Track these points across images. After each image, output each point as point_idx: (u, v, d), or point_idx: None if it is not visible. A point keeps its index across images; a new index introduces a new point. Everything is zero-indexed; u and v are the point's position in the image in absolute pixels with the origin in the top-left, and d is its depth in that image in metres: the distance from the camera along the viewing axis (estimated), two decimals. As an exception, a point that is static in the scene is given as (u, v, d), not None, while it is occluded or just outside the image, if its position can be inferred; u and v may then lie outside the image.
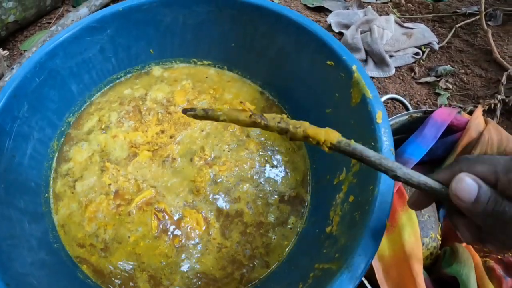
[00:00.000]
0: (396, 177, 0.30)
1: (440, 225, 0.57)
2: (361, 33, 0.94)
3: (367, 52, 0.92)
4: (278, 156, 0.59)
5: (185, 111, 0.36)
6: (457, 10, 1.06)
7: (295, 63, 0.58)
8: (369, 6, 1.05)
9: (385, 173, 0.31)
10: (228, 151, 0.59)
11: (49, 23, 1.06)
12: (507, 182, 0.27)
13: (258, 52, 0.63)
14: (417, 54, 0.93)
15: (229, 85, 0.67)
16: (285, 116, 0.33)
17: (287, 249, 0.52)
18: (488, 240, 0.30)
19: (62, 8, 1.09)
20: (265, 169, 0.58)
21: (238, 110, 0.34)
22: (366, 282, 0.50)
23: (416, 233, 0.51)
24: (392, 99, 0.66)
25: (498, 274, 0.52)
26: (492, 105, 0.80)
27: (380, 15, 1.00)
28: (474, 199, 0.27)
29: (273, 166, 0.58)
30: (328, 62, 0.51)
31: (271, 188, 0.56)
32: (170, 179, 0.56)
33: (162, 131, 0.61)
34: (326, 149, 0.32)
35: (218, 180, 0.56)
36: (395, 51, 0.92)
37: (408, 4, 1.10)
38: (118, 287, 0.49)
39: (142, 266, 0.50)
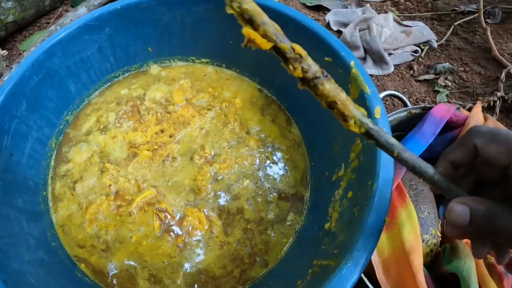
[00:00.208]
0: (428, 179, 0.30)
1: (440, 221, 0.57)
2: (359, 31, 0.93)
3: (365, 50, 0.92)
4: (278, 153, 0.59)
5: None
6: (456, 8, 1.06)
7: (293, 59, 0.58)
8: (368, 5, 1.04)
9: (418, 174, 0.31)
10: (228, 149, 0.59)
11: (48, 23, 1.06)
12: (469, 150, 0.28)
13: (256, 49, 0.62)
14: (416, 52, 0.93)
15: (228, 83, 0.67)
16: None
17: (286, 247, 0.52)
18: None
19: (61, 8, 1.09)
20: (265, 166, 0.58)
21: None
22: (366, 280, 0.49)
23: (415, 230, 0.50)
24: (391, 95, 0.66)
25: (499, 271, 0.52)
26: (492, 103, 0.79)
27: (379, 14, 1.00)
28: (468, 223, 0.28)
29: (273, 162, 0.58)
30: (326, 59, 0.51)
31: (270, 186, 0.56)
32: (170, 179, 0.56)
33: (162, 131, 0.61)
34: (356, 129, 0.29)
35: (219, 178, 0.56)
36: (394, 49, 0.92)
37: (407, 3, 1.10)
38: (117, 286, 0.49)
39: (144, 265, 0.50)
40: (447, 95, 0.85)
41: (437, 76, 0.89)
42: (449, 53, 0.95)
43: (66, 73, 0.59)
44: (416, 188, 0.58)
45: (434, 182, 0.30)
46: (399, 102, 0.82)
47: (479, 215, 0.27)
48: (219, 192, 0.55)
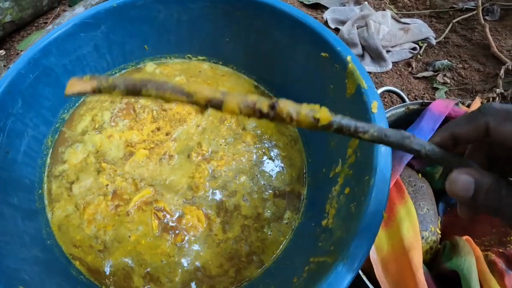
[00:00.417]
0: (402, 146, 0.28)
1: (439, 218, 0.56)
2: (357, 29, 0.93)
3: (363, 47, 0.91)
4: (275, 150, 0.59)
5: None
6: (454, 6, 1.06)
7: (289, 56, 0.58)
8: (366, 3, 1.04)
9: (388, 144, 0.28)
10: (225, 145, 0.58)
11: (46, 23, 1.05)
12: (481, 127, 0.26)
13: (253, 46, 0.62)
14: (414, 49, 0.93)
15: (224, 79, 0.66)
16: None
17: (283, 245, 0.51)
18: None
19: (58, 8, 1.09)
20: (262, 162, 0.57)
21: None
22: (364, 278, 0.49)
23: (415, 227, 0.50)
24: (389, 91, 0.66)
25: (500, 268, 0.51)
26: (491, 99, 0.79)
27: (377, 11, 0.99)
28: (472, 195, 0.26)
29: (270, 159, 0.58)
30: (323, 54, 0.51)
31: (265, 182, 0.55)
32: (168, 177, 0.56)
33: (158, 129, 0.60)
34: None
35: (217, 175, 0.56)
36: (392, 46, 0.92)
37: (405, 0, 1.10)
38: (112, 284, 0.49)
39: (141, 263, 0.49)
40: (446, 92, 0.84)
41: (435, 73, 0.88)
42: (447, 50, 0.94)
43: (62, 71, 0.58)
44: (415, 185, 0.57)
45: (427, 156, 0.28)
46: (398, 99, 0.82)
47: (485, 188, 0.25)
48: (216, 190, 0.55)
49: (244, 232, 0.52)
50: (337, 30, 0.99)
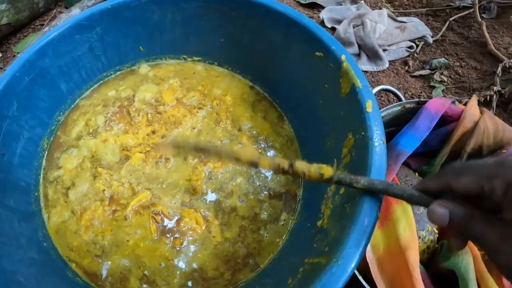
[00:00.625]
0: (388, 192, 0.34)
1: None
2: (353, 28, 0.93)
3: (360, 46, 0.91)
4: (272, 151, 0.58)
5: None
6: (451, 4, 1.06)
7: (284, 55, 0.58)
8: (362, 1, 1.04)
9: (376, 192, 0.35)
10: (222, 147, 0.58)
11: (42, 25, 1.05)
12: (490, 189, 0.28)
13: (248, 46, 0.62)
14: (411, 47, 0.93)
15: (218, 80, 0.66)
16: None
17: (279, 247, 0.51)
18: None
19: (55, 10, 1.09)
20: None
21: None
22: (360, 277, 0.49)
23: (411, 226, 0.50)
24: (385, 90, 0.65)
25: (496, 267, 0.51)
26: (488, 97, 0.79)
27: (373, 10, 0.99)
28: (447, 223, 0.30)
29: None
30: (317, 54, 0.51)
31: (261, 183, 0.55)
32: (165, 180, 0.55)
33: (153, 132, 0.60)
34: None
35: (214, 177, 0.55)
36: (389, 45, 0.92)
37: (402, -1, 1.10)
38: (109, 285, 0.48)
39: (139, 265, 0.49)
40: (443, 90, 0.84)
41: (432, 72, 0.88)
42: (444, 48, 0.94)
43: (58, 73, 0.58)
44: (411, 184, 0.57)
45: (408, 199, 0.33)
46: (395, 97, 0.82)
47: (457, 218, 0.29)
48: (214, 191, 0.54)
49: (241, 234, 0.52)
50: (333, 29, 0.99)
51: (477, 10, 0.96)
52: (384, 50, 0.91)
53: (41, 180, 0.56)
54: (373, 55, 0.89)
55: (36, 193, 0.55)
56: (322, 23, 1.02)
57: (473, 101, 0.61)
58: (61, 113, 0.61)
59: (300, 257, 0.42)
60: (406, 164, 0.61)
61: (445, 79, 0.87)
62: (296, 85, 0.58)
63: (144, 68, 0.68)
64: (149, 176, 0.56)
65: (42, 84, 0.56)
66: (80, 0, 1.04)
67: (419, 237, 0.52)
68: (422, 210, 0.54)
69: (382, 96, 0.82)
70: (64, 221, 0.53)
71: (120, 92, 0.64)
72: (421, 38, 0.94)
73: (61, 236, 0.52)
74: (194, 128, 0.60)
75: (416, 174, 0.60)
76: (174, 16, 0.62)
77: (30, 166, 0.56)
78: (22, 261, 0.45)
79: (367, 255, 0.49)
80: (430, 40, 0.94)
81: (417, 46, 0.94)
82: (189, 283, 0.48)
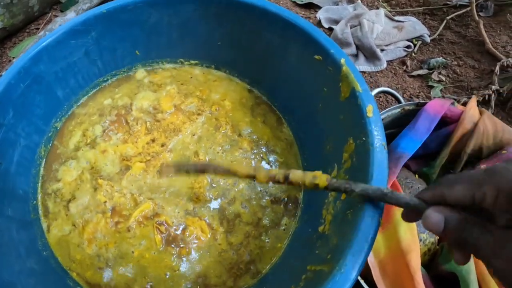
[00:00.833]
0: (384, 199, 0.34)
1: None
2: (351, 28, 0.93)
3: (357, 47, 0.91)
4: (273, 156, 0.58)
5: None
6: (448, 2, 1.06)
7: (283, 59, 0.57)
8: (359, 1, 1.04)
9: (369, 198, 0.35)
10: (222, 153, 0.58)
11: (38, 28, 1.04)
12: (481, 196, 0.28)
13: (245, 49, 0.62)
14: (408, 47, 0.92)
15: (216, 85, 0.66)
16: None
17: (280, 252, 0.51)
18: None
19: (50, 13, 1.08)
20: (261, 166, 0.57)
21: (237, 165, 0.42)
22: (362, 281, 0.49)
23: (412, 229, 0.50)
24: (384, 92, 0.65)
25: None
26: (486, 96, 0.79)
27: (370, 10, 0.99)
28: (442, 230, 0.30)
29: (268, 163, 0.57)
30: (316, 57, 0.50)
31: (262, 189, 0.55)
32: (167, 189, 0.55)
33: (153, 140, 0.59)
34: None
35: (216, 184, 0.55)
36: (386, 45, 0.91)
37: (399, -2, 1.09)
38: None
39: (144, 275, 0.49)
40: (441, 90, 0.84)
41: (430, 71, 0.88)
42: (442, 47, 0.94)
43: (54, 79, 0.58)
44: (412, 186, 0.57)
45: (406, 206, 0.33)
46: (393, 99, 0.81)
47: (452, 224, 0.29)
48: (217, 198, 0.54)
49: (245, 241, 0.51)
50: (330, 29, 0.99)
51: (474, 9, 0.96)
52: (382, 50, 0.91)
53: (39, 188, 0.56)
54: (371, 55, 0.89)
55: (34, 202, 0.54)
56: (319, 23, 1.01)
57: (473, 102, 0.61)
58: (58, 120, 0.61)
59: (302, 263, 0.41)
60: (406, 166, 0.61)
61: (443, 78, 0.87)
62: (295, 88, 0.57)
63: (140, 73, 0.67)
64: (151, 185, 0.55)
65: (38, 90, 0.56)
66: (75, 4, 1.03)
67: (420, 240, 0.52)
68: (422, 212, 0.54)
69: (380, 97, 0.82)
70: (66, 234, 0.52)
71: (117, 100, 0.64)
72: (419, 37, 0.94)
73: (63, 249, 0.51)
74: (194, 135, 0.59)
75: (416, 176, 0.60)
76: (171, 19, 0.61)
77: (28, 174, 0.55)
78: (22, 271, 0.45)
79: (368, 259, 0.49)
80: (428, 39, 0.94)
81: (415, 45, 0.93)
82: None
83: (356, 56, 0.91)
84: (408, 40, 0.93)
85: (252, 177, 0.39)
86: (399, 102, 0.65)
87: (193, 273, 0.49)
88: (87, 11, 0.58)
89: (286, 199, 0.54)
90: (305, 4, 1.08)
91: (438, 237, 0.54)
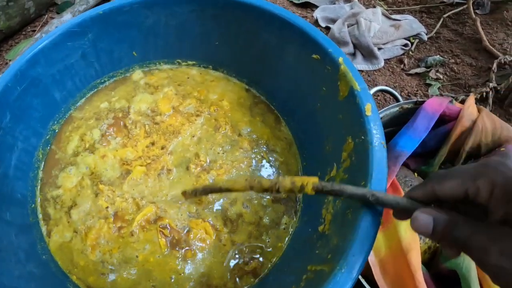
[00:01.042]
0: (373, 202, 0.34)
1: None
2: (348, 27, 0.93)
3: (355, 46, 0.91)
4: (273, 155, 0.58)
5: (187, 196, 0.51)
6: (444, 0, 1.06)
7: (280, 58, 0.57)
8: (356, 0, 1.04)
9: (361, 201, 0.35)
10: (223, 153, 0.57)
11: (34, 31, 1.04)
12: (475, 190, 0.28)
13: (243, 49, 0.62)
14: (406, 45, 0.92)
15: (213, 85, 0.65)
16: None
17: (280, 252, 0.50)
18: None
19: (46, 15, 1.08)
20: (262, 166, 0.57)
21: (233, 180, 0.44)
22: (363, 280, 0.49)
23: (412, 227, 0.49)
24: (382, 91, 0.65)
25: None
26: (484, 94, 0.79)
27: (367, 8, 0.99)
28: (431, 231, 0.29)
29: (268, 162, 0.57)
30: (314, 56, 0.50)
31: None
32: (169, 192, 0.54)
33: (152, 143, 0.58)
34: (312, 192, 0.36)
35: None
36: (384, 43, 0.92)
37: (396, -4, 1.10)
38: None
39: (149, 278, 0.48)
40: (439, 88, 0.84)
41: (428, 69, 0.88)
42: (439, 45, 0.94)
43: (51, 81, 0.57)
44: (411, 185, 0.57)
45: (395, 207, 0.33)
46: (391, 97, 0.81)
47: (441, 224, 0.29)
48: (219, 199, 0.54)
49: (246, 241, 0.51)
50: (327, 28, 0.99)
51: (471, 6, 0.96)
52: (379, 48, 0.91)
53: (37, 191, 0.55)
54: (368, 54, 0.89)
55: (33, 205, 0.54)
56: (316, 22, 1.01)
57: (471, 99, 0.61)
58: (56, 122, 0.60)
59: (302, 263, 0.41)
60: (405, 164, 0.61)
61: (441, 76, 0.87)
62: (293, 87, 0.57)
63: (137, 74, 0.67)
64: (152, 189, 0.54)
65: (35, 93, 0.55)
66: (71, 6, 1.03)
67: (420, 238, 0.52)
68: (422, 210, 0.54)
69: (378, 95, 0.82)
70: (68, 241, 0.51)
71: (114, 103, 0.63)
72: (416, 35, 0.94)
73: (65, 255, 0.51)
74: (193, 136, 0.59)
75: (415, 174, 0.60)
76: (168, 20, 0.61)
77: (26, 178, 0.55)
78: (22, 276, 0.44)
79: (369, 258, 0.49)
80: (425, 37, 0.94)
81: (412, 44, 0.94)
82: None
83: (353, 55, 0.91)
84: (405, 39, 0.93)
85: (249, 190, 0.41)
86: (397, 100, 0.65)
87: (197, 274, 0.49)
88: (84, 13, 0.58)
89: (286, 198, 0.54)
90: (302, 3, 1.08)
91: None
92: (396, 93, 0.65)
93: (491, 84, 0.79)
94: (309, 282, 0.37)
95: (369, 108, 0.42)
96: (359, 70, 0.87)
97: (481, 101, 0.79)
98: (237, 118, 0.61)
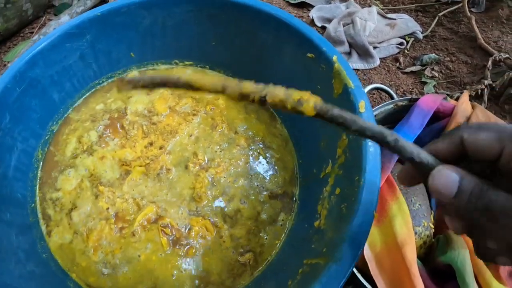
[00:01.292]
0: (391, 143, 0.27)
1: (432, 213, 0.56)
2: (343, 26, 0.93)
3: (350, 45, 0.92)
4: (269, 152, 0.59)
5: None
6: (440, -1, 1.07)
7: (275, 57, 0.58)
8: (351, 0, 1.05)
9: (374, 140, 0.28)
10: (221, 151, 0.58)
11: (32, 32, 1.04)
12: (511, 153, 0.23)
13: (239, 49, 0.62)
14: (401, 44, 0.93)
15: (209, 85, 0.66)
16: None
17: (277, 248, 0.51)
18: (476, 235, 0.27)
19: (44, 17, 1.08)
20: (260, 162, 0.58)
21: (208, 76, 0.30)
22: (359, 275, 0.49)
23: (407, 223, 0.50)
24: (377, 89, 0.66)
25: (493, 260, 0.51)
26: (479, 91, 0.79)
27: (363, 8, 1.00)
28: (455, 193, 0.24)
29: (265, 158, 0.58)
30: (309, 55, 0.51)
31: (259, 184, 0.55)
32: (169, 191, 0.55)
33: (151, 144, 0.59)
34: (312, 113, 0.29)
35: (217, 182, 0.55)
36: (379, 42, 0.92)
37: (391, -5, 1.10)
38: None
39: (150, 277, 0.49)
40: (434, 86, 0.85)
41: (423, 68, 0.89)
42: (434, 43, 0.95)
43: (49, 83, 0.58)
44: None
45: (412, 160, 0.26)
46: (386, 95, 0.82)
47: (470, 186, 0.23)
48: (219, 196, 0.54)
49: (245, 237, 0.52)
50: (323, 28, 1.00)
51: (466, 5, 0.97)
52: (375, 47, 0.91)
53: (37, 191, 0.56)
54: (364, 53, 0.89)
55: (33, 205, 0.54)
56: (312, 22, 1.02)
57: (465, 96, 0.61)
58: (54, 123, 0.61)
59: (299, 258, 0.42)
60: (399, 161, 0.61)
61: (436, 74, 0.87)
62: (288, 86, 0.58)
63: (133, 75, 0.67)
64: (152, 189, 0.55)
65: (34, 94, 0.56)
66: (69, 7, 1.04)
67: (416, 233, 0.52)
68: (417, 206, 0.55)
69: (374, 94, 0.83)
70: (68, 243, 0.52)
71: (110, 104, 0.64)
72: (411, 34, 0.95)
73: (66, 255, 0.51)
74: (191, 136, 0.60)
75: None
76: (165, 21, 0.62)
77: (26, 179, 0.55)
78: (22, 276, 0.45)
79: (365, 252, 0.50)
80: (420, 36, 0.95)
81: (407, 42, 0.94)
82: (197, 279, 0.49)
83: (349, 54, 0.91)
84: (400, 37, 0.94)
85: (221, 93, 0.30)
86: (392, 98, 0.66)
87: (197, 270, 0.49)
88: (81, 14, 0.58)
89: (282, 194, 0.55)
90: (298, 3, 1.08)
91: (433, 231, 0.55)
92: (391, 91, 0.66)
93: (486, 82, 0.80)
94: (305, 275, 0.38)
95: (362, 105, 0.43)
96: (354, 69, 0.88)
97: (477, 98, 0.79)
98: (233, 116, 0.62)
